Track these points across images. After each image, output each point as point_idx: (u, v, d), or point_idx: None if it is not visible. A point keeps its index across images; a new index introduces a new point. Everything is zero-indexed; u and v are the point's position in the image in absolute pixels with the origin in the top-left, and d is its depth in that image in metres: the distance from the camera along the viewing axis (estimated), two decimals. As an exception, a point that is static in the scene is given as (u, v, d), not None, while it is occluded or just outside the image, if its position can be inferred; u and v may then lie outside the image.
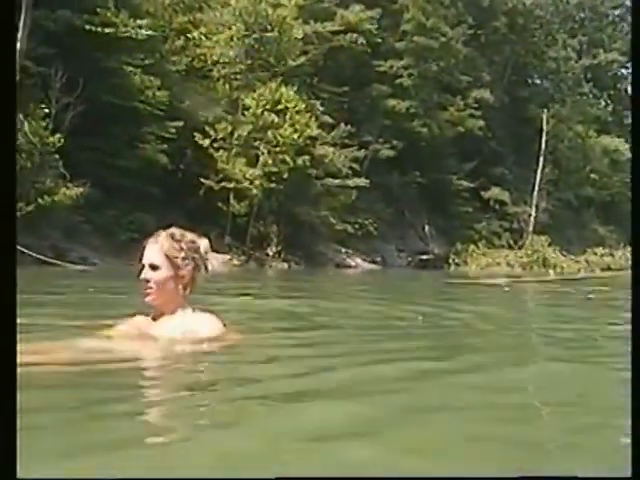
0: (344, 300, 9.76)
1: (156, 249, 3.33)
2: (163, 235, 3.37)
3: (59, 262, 18.30)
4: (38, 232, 19.89)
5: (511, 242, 38.69)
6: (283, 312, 6.66)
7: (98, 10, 24.10)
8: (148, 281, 3.30)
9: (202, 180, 27.53)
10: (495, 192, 41.82)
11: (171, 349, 3.27)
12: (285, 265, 28.76)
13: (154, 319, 3.39)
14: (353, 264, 33.17)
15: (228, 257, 26.97)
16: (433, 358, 3.61)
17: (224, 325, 3.41)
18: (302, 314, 6.29)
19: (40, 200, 20.26)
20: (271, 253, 29.35)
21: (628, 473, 1.27)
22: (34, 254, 17.62)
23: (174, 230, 3.41)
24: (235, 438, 1.89)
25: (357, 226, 33.71)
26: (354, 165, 33.76)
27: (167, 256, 3.31)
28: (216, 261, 26.01)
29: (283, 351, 3.66)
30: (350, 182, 32.84)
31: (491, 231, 40.72)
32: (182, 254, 3.33)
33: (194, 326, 3.31)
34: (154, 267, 3.30)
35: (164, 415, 2.28)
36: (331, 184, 32.27)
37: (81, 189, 21.42)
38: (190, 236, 3.42)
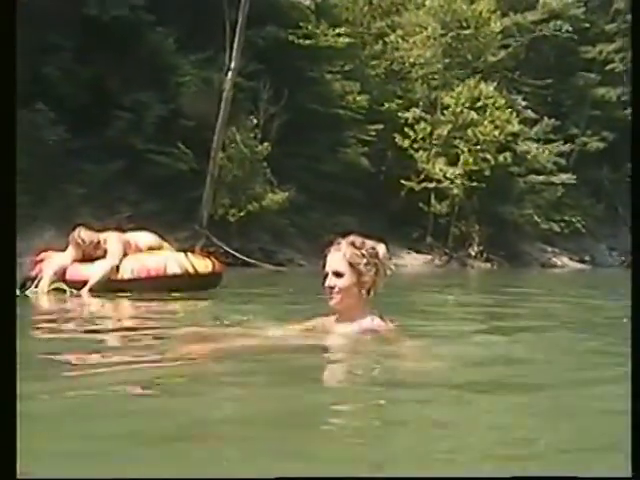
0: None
1: (339, 257, 3.50)
2: (345, 243, 3.55)
3: (262, 264, 19.45)
4: (248, 236, 21.29)
5: None
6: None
7: (301, 24, 25.31)
8: (333, 288, 3.50)
9: (403, 181, 27.80)
10: None
11: (353, 344, 3.48)
12: (488, 265, 28.20)
13: (338, 320, 3.60)
14: (559, 263, 31.71)
15: (430, 257, 27.00)
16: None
17: (394, 326, 3.58)
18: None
19: (250, 206, 21.65)
20: (473, 253, 28.91)
21: (628, 473, 1.25)
22: (243, 257, 18.90)
23: (354, 238, 3.58)
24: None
25: (563, 224, 32.18)
26: (559, 160, 32.28)
27: (350, 263, 3.47)
28: (416, 261, 26.15)
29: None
30: (555, 178, 31.47)
31: None
32: (364, 260, 3.48)
33: (374, 326, 3.49)
34: (338, 274, 3.48)
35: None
36: (535, 181, 31.13)
37: (287, 194, 22.58)
38: (370, 243, 3.57)
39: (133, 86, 23.68)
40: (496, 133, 28.02)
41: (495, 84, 29.81)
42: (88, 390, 2.29)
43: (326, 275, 3.53)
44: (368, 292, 3.52)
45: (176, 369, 2.80)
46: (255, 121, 23.24)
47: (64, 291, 6.09)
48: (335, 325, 3.59)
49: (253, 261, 19.27)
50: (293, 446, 1.77)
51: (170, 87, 23.22)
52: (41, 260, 6.51)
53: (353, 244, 3.53)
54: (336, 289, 3.48)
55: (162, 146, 22.49)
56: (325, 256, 3.57)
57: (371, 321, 3.51)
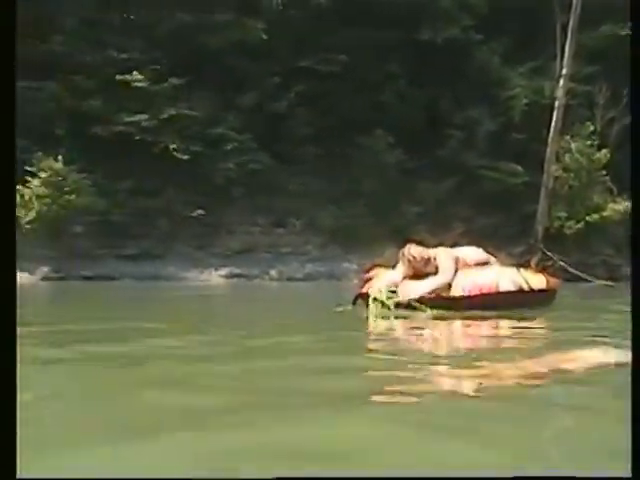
0: None
1: None
2: None
3: (593, 279, 18.21)
4: (588, 249, 20.17)
5: None
6: None
7: None
8: None
9: None
10: None
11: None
12: None
13: None
14: None
15: None
16: None
17: None
18: None
19: (588, 217, 20.53)
20: None
21: (628, 473, 1.23)
22: (577, 272, 17.93)
23: None
24: None
25: None
26: None
27: None
28: None
29: None
30: None
31: None
32: None
33: None
34: None
35: None
36: None
37: (628, 203, 20.96)
38: None
39: (464, 104, 24.11)
40: None
41: None
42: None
43: None
44: None
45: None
46: (592, 127, 22.02)
47: (388, 307, 6.06)
48: None
49: (585, 276, 18.19)
50: None
51: (500, 101, 23.15)
52: (371, 277, 6.63)
53: None
54: None
55: (494, 161, 22.47)
56: None
57: None
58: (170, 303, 8.90)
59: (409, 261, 6.32)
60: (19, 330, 1.93)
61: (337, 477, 1.12)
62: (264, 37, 27.28)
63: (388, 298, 6.02)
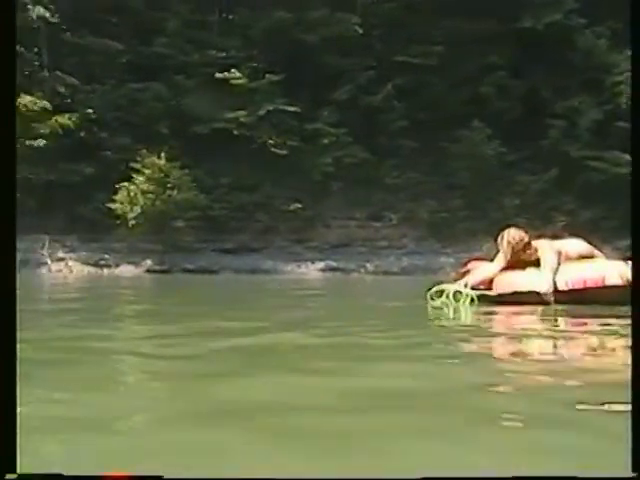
0: None
1: None
2: None
3: None
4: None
5: None
6: None
7: None
8: None
9: None
10: None
11: None
12: None
13: None
14: None
15: None
16: None
17: None
18: None
19: None
20: None
21: (628, 473, 1.24)
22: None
23: None
24: None
25: None
26: None
27: None
28: None
29: None
30: None
31: None
32: None
33: None
34: None
35: None
36: None
37: None
38: None
39: (566, 93, 23.32)
40: None
41: None
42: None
43: None
44: None
45: None
46: None
47: (472, 300, 5.88)
48: None
49: None
50: None
51: (605, 88, 22.24)
52: (468, 271, 6.48)
53: None
54: None
55: (598, 151, 21.64)
56: None
57: None
58: (288, 297, 9.08)
59: (509, 244, 6.13)
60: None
61: (337, 477, 1.12)
62: (359, 31, 27.34)
63: (475, 294, 5.90)
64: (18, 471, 1.14)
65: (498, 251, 6.27)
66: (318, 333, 3.50)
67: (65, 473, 1.16)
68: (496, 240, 6.42)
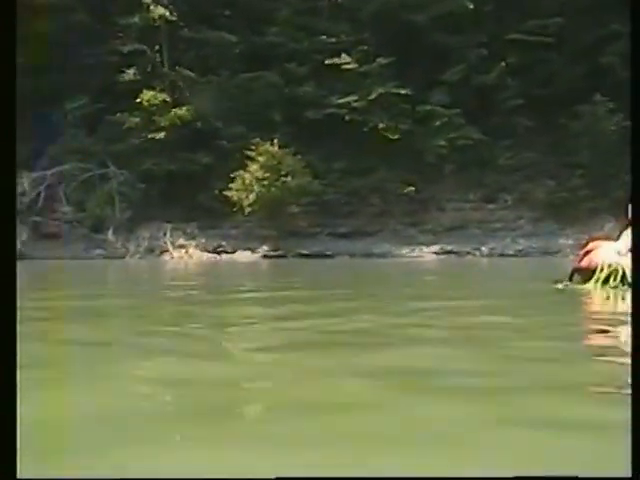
0: None
1: None
2: None
3: None
4: None
5: None
6: None
7: None
8: None
9: None
10: None
11: None
12: None
13: None
14: None
15: None
16: None
17: None
18: None
19: None
20: None
21: (628, 473, 1.21)
22: None
23: None
24: None
25: None
26: None
27: None
28: None
29: None
30: None
31: None
32: None
33: None
34: None
35: None
36: None
37: None
38: None
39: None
40: None
41: None
42: None
43: None
44: None
45: None
46: None
47: (622, 283, 5.51)
48: None
49: None
50: None
51: None
52: (589, 251, 6.11)
53: None
54: None
55: None
56: None
57: None
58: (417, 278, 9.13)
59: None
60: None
61: (337, 477, 1.14)
62: (470, 7, 26.72)
63: (608, 273, 5.55)
64: (18, 476, 1.10)
65: (623, 229, 5.87)
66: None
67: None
68: (620, 221, 6.05)
